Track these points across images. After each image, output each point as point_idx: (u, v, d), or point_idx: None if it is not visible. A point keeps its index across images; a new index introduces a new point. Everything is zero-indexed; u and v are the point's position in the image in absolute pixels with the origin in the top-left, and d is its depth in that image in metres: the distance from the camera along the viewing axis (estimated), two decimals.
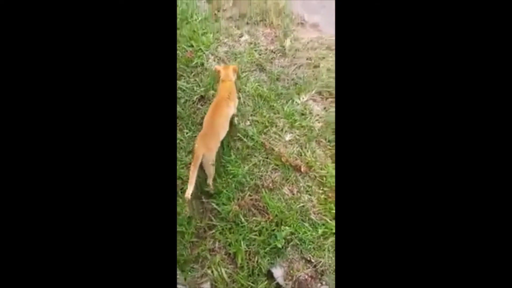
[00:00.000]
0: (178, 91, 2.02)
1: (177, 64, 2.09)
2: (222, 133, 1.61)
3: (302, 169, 1.63)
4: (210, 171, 1.57)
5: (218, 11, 2.41)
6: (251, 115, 1.86)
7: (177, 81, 2.05)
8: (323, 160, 1.67)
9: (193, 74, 2.08)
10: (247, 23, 2.30)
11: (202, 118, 1.87)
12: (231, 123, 1.72)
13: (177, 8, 2.38)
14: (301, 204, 1.55)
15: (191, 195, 1.44)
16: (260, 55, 2.13)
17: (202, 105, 1.94)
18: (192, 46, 2.18)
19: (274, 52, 2.13)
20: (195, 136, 1.81)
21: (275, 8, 2.36)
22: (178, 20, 2.32)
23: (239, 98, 1.92)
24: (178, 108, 1.94)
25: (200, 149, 1.49)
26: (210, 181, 1.59)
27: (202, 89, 1.99)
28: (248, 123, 1.84)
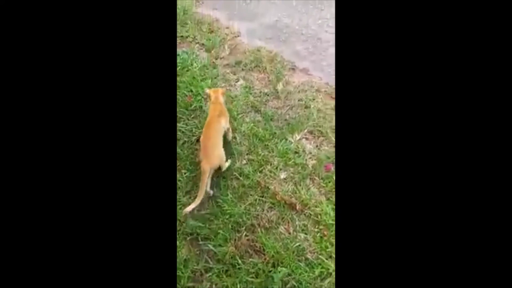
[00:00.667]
0: (178, 133, 2.11)
1: (177, 108, 2.22)
2: (219, 146, 1.78)
3: (297, 208, 1.64)
4: (223, 163, 1.77)
5: (216, 59, 2.61)
6: (247, 154, 1.93)
7: (177, 124, 2.15)
8: (318, 197, 1.69)
9: (192, 116, 2.19)
10: (243, 69, 2.48)
11: (200, 159, 1.94)
12: (225, 137, 1.91)
13: (178, 57, 2.59)
14: (297, 244, 1.53)
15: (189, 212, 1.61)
16: (255, 97, 2.26)
17: (200, 146, 2.02)
18: (191, 91, 2.32)
19: (268, 95, 2.27)
20: (194, 176, 1.87)
21: (268, 56, 2.56)
22: (179, 68, 2.51)
23: (235, 138, 2.01)
24: (177, 149, 2.01)
25: (206, 165, 1.67)
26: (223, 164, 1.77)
27: (199, 130, 2.08)
28: (244, 161, 1.89)
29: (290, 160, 1.86)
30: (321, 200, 1.68)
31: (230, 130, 1.96)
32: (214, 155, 1.72)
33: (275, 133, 2.00)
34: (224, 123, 1.86)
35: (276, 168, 1.83)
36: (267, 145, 1.94)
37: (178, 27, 2.93)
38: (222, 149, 1.78)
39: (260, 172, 1.83)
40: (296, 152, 1.90)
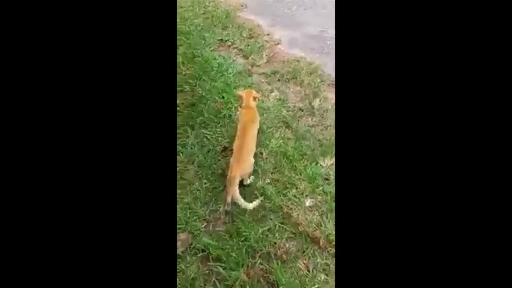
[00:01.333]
0: (203, 140, 2.03)
1: (206, 114, 2.14)
2: (252, 154, 1.73)
3: (320, 243, 1.46)
4: (248, 176, 1.69)
5: (252, 66, 2.51)
6: (272, 173, 1.77)
7: (203, 130, 2.07)
8: None
9: (220, 124, 2.09)
10: (279, 80, 2.34)
11: (223, 170, 1.83)
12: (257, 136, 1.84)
13: (214, 61, 2.52)
14: (316, 285, 1.35)
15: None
16: (287, 112, 2.11)
17: (223, 157, 1.91)
18: (223, 97, 2.23)
19: (302, 110, 2.10)
20: (214, 188, 1.76)
21: (307, 68, 2.40)
22: (213, 72, 2.44)
23: (261, 153, 1.87)
24: (200, 157, 1.93)
25: (236, 173, 1.59)
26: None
27: (226, 140, 1.98)
28: (268, 181, 1.75)
29: (319, 187, 1.67)
30: None
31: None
32: (247, 163, 1.66)
33: (305, 154, 1.82)
34: (256, 128, 1.81)
35: (302, 193, 1.66)
36: (295, 166, 1.78)
37: (219, 30, 2.88)
38: (253, 159, 1.71)
39: (284, 195, 1.67)
40: (326, 179, 1.71)
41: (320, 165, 1.78)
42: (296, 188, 1.69)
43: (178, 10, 3.16)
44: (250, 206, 1.59)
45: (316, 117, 2.05)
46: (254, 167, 1.77)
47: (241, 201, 1.58)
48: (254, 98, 1.87)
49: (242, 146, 1.67)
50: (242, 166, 1.63)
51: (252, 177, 1.72)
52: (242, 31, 2.83)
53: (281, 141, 1.92)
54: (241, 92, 1.92)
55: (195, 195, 1.75)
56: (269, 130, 2.00)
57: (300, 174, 1.74)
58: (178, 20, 3.00)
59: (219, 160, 1.90)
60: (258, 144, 1.88)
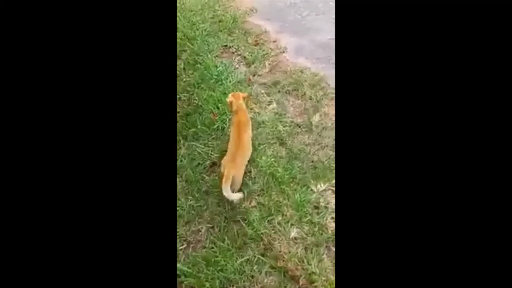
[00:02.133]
0: (194, 152, 1.94)
1: (199, 125, 2.04)
2: (248, 155, 1.68)
3: (300, 282, 1.30)
4: (238, 186, 1.61)
5: (254, 75, 2.37)
6: (258, 195, 1.64)
7: (195, 142, 1.98)
8: (330, 275, 1.32)
9: (212, 137, 1.98)
10: (279, 91, 2.18)
11: (208, 188, 1.73)
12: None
13: (215, 69, 2.41)
14: None
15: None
16: (284, 127, 1.94)
17: (211, 173, 1.80)
18: (218, 108, 2.12)
19: (300, 127, 1.93)
20: (199, 206, 1.66)
21: (311, 79, 2.21)
22: (212, 81, 2.33)
23: (249, 171, 1.74)
24: (189, 171, 1.83)
25: (230, 172, 1.51)
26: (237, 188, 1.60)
27: (216, 155, 1.86)
28: (253, 203, 1.61)
29: (307, 215, 1.50)
30: (333, 279, 1.30)
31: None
32: (241, 164, 1.60)
33: (295, 177, 1.66)
34: (250, 131, 1.74)
35: (287, 222, 1.50)
36: (284, 189, 1.62)
37: (224, 35, 2.76)
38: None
39: (269, 222, 1.52)
40: (316, 207, 1.54)
41: (311, 189, 1.61)
42: (282, 215, 1.53)
43: (188, 14, 3.09)
44: (234, 196, 1.53)
45: (313, 135, 1.87)
46: (241, 188, 1.64)
47: (228, 193, 1.50)
48: (244, 98, 1.77)
49: (238, 148, 1.61)
50: (236, 165, 1.56)
51: (241, 194, 1.59)
52: (248, 37, 2.69)
53: (272, 159, 1.77)
54: (229, 98, 1.78)
55: (178, 212, 1.65)
56: (262, 146, 1.85)
57: (288, 199, 1.58)
58: (185, 24, 2.93)
59: (207, 176, 1.79)
60: (248, 161, 1.75)
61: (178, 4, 3.27)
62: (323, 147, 1.81)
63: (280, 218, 1.52)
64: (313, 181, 1.63)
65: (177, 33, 2.86)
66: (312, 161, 1.74)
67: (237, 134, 1.65)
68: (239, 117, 1.70)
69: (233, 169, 1.52)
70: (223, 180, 1.49)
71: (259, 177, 1.70)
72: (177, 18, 3.04)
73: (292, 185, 1.63)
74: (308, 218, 1.50)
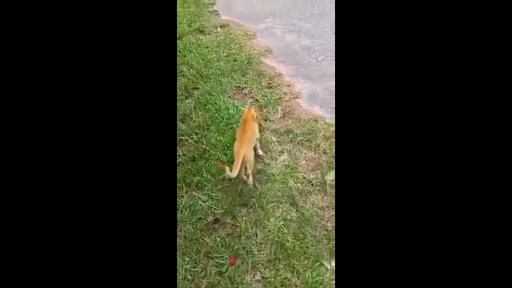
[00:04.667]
0: (196, 204, 1.75)
1: (205, 173, 1.87)
2: (254, 140, 1.83)
3: None
4: (250, 167, 1.73)
5: (266, 120, 2.23)
6: (264, 267, 1.42)
7: (199, 192, 1.80)
8: None
9: (217, 188, 1.80)
10: (291, 141, 2.02)
11: (207, 250, 1.52)
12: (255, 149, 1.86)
13: (226, 111, 2.29)
14: None
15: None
16: (295, 183, 1.76)
17: (213, 232, 1.60)
18: (226, 155, 1.96)
19: (312, 184, 1.74)
20: (195, 271, 1.45)
21: (325, 130, 2.06)
22: (222, 124, 2.20)
23: (256, 235, 1.53)
24: (188, 226, 1.64)
25: (241, 152, 1.64)
26: (243, 177, 1.75)
27: (220, 210, 1.67)
28: (257, 277, 1.39)
29: None
30: None
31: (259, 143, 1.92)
32: (249, 142, 1.74)
33: (307, 248, 1.44)
34: (256, 130, 1.86)
35: None
36: (293, 264, 1.40)
37: (238, 76, 2.68)
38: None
39: None
40: None
41: (325, 267, 1.38)
42: None
43: (203, 51, 3.05)
44: (249, 179, 1.75)
45: (328, 196, 1.67)
46: (244, 256, 1.43)
47: (241, 175, 1.70)
48: (254, 111, 1.93)
49: (245, 133, 1.76)
50: (246, 147, 1.68)
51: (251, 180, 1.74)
52: (262, 79, 2.60)
53: (281, 222, 1.56)
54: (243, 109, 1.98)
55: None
56: (270, 205, 1.66)
57: (298, 276, 1.36)
58: (200, 61, 2.87)
59: (208, 235, 1.59)
60: (255, 222, 1.56)
61: (193, 40, 3.26)
62: None
63: None
64: (327, 256, 1.41)
65: (191, 70, 2.80)
66: (326, 230, 1.52)
67: (244, 123, 1.82)
68: (247, 115, 1.86)
69: (243, 147, 1.66)
70: (235, 161, 1.63)
71: (265, 244, 1.49)
72: (192, 54, 3.01)
73: (302, 259, 1.41)
74: None
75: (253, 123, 1.85)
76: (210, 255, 1.50)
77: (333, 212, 1.60)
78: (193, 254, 1.52)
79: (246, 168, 1.70)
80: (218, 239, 1.54)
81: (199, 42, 3.15)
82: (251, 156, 1.73)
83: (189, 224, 1.64)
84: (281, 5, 3.58)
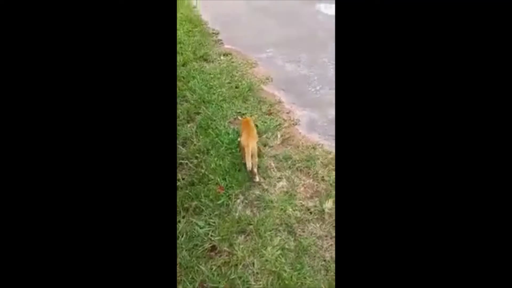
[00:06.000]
0: (193, 230, 1.72)
1: (203, 198, 1.86)
2: (256, 138, 1.99)
3: None
4: (256, 161, 1.90)
5: (265, 146, 2.26)
6: None
7: (196, 217, 1.77)
8: None
9: (215, 214, 1.78)
10: (290, 168, 2.04)
11: (203, 279, 1.47)
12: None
13: (227, 136, 2.33)
14: None
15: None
16: (293, 210, 1.75)
17: (209, 260, 1.55)
18: (225, 180, 1.97)
19: (311, 212, 1.73)
20: None
21: (324, 157, 2.08)
22: (222, 148, 2.23)
23: (253, 264, 1.49)
24: (184, 253, 1.60)
25: (249, 145, 1.83)
26: (255, 169, 1.89)
27: (217, 237, 1.64)
28: None
29: None
30: None
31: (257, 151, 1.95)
32: (255, 141, 1.92)
33: (305, 279, 1.40)
34: (256, 136, 2.01)
35: None
36: None
37: (239, 102, 2.75)
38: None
39: None
40: None
41: None
42: None
43: (206, 77, 3.16)
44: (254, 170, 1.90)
45: (326, 225, 1.65)
46: (241, 287, 1.39)
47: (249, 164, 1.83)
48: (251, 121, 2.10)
49: (253, 129, 1.99)
50: (251, 139, 1.88)
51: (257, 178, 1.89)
52: (262, 106, 2.67)
53: (279, 252, 1.53)
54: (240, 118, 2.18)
55: None
56: (268, 233, 1.63)
57: None
58: (203, 87, 2.97)
59: (204, 263, 1.55)
60: (253, 251, 1.52)
61: (197, 67, 3.40)
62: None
63: None
64: (324, 287, 1.37)
65: (194, 95, 2.88)
66: (324, 260, 1.49)
67: (247, 124, 2.01)
68: (247, 119, 2.07)
69: (250, 142, 1.83)
70: (245, 153, 1.82)
71: (262, 274, 1.45)
72: (195, 81, 3.12)
73: None
74: None
75: (254, 127, 2.03)
76: (205, 285, 1.45)
77: (331, 242, 1.57)
78: (188, 284, 1.47)
79: (252, 164, 1.82)
80: (214, 267, 1.50)
81: (202, 69, 3.28)
82: (256, 151, 1.89)
83: (185, 250, 1.60)
84: (282, 36, 3.77)
